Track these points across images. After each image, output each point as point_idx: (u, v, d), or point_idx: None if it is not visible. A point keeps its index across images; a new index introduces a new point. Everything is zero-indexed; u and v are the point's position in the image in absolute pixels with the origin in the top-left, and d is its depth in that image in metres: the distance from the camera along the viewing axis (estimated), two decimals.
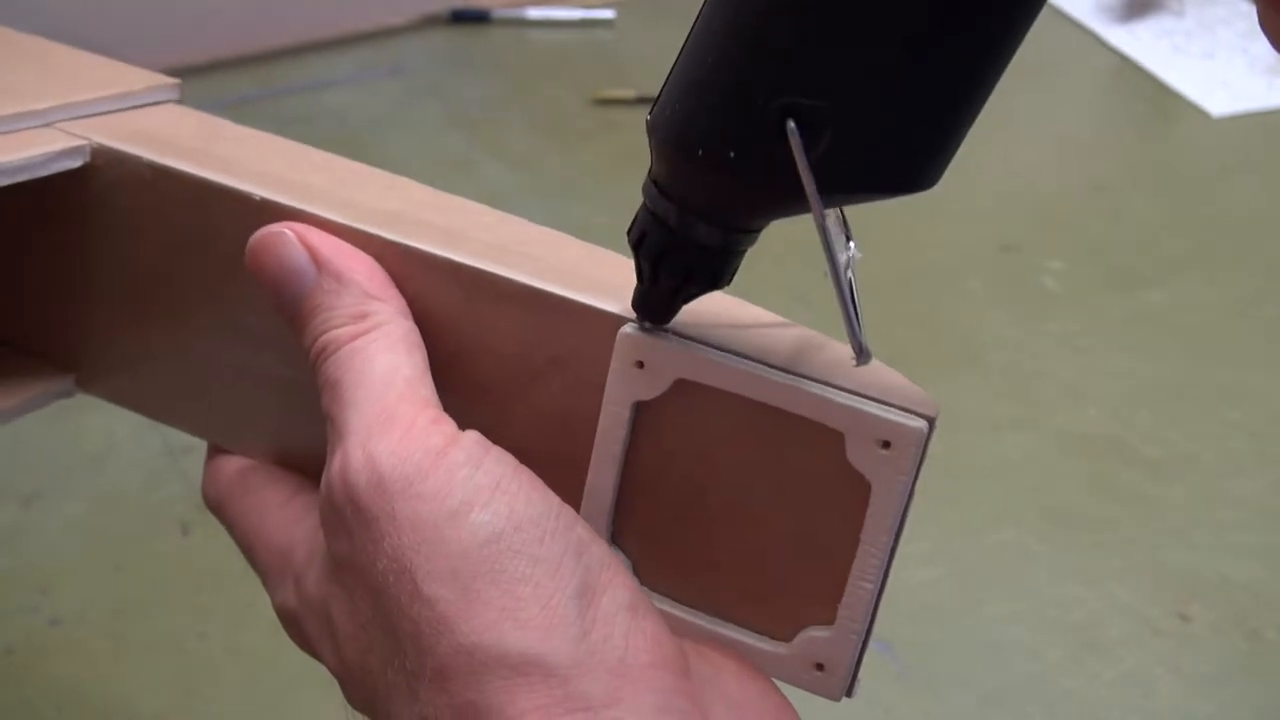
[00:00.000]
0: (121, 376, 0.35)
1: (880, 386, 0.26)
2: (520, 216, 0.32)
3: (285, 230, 0.29)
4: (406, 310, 0.29)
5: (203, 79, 1.11)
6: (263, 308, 0.30)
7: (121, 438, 0.67)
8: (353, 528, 0.26)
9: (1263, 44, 1.32)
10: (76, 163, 0.32)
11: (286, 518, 0.31)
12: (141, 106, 0.36)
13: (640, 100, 1.13)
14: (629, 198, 0.99)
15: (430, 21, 1.26)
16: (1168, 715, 0.58)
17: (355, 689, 0.27)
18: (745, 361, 0.27)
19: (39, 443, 0.67)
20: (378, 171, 0.33)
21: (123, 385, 0.35)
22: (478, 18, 1.27)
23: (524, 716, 0.23)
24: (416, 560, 0.25)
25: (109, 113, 0.35)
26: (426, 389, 0.28)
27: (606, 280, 0.29)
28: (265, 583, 0.31)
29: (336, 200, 0.30)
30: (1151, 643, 0.62)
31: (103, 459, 0.66)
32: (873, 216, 1.08)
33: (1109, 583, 0.65)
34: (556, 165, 1.02)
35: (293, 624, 0.29)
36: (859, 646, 0.28)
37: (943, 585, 0.64)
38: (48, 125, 0.33)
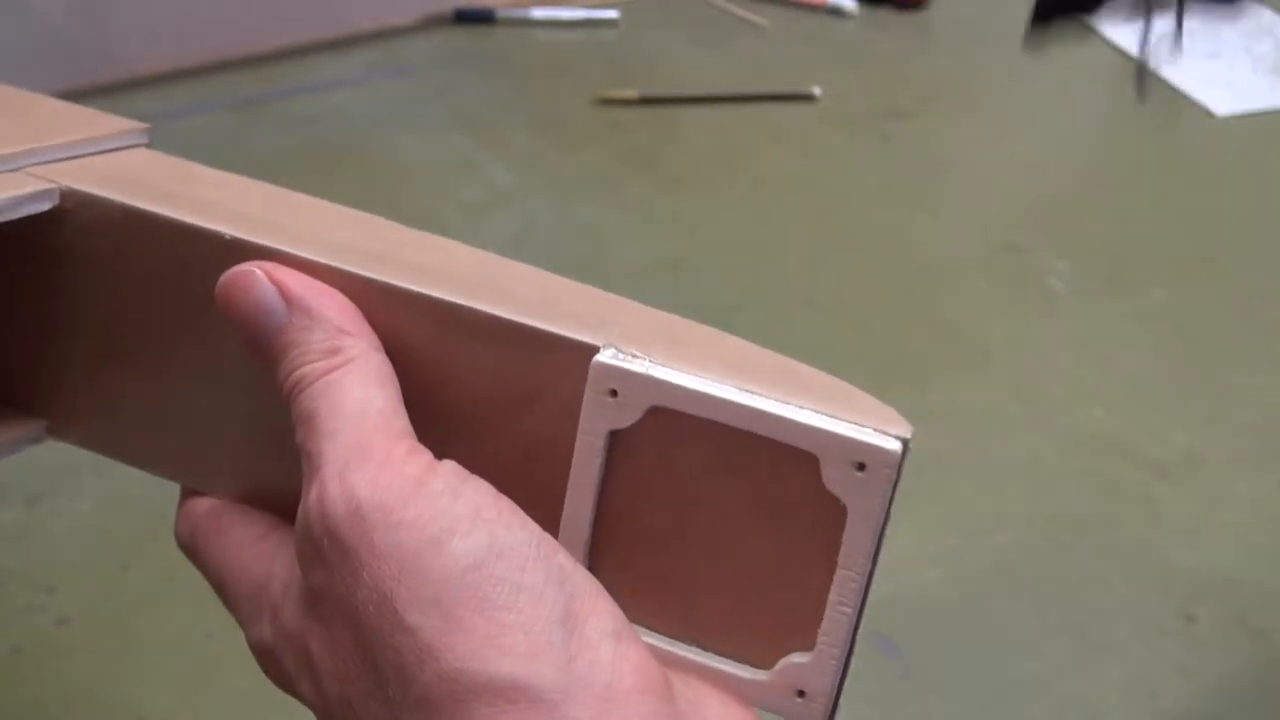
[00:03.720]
0: (94, 422, 0.35)
1: (854, 409, 0.26)
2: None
3: (254, 269, 0.29)
4: (379, 345, 0.29)
5: (208, 80, 1.11)
6: (234, 348, 0.30)
7: None
8: (330, 559, 0.26)
9: (1266, 44, 1.32)
10: (45, 206, 0.32)
11: (260, 553, 0.31)
12: (111, 151, 0.36)
13: (644, 100, 1.13)
14: (632, 197, 0.99)
15: (434, 22, 1.26)
16: (1173, 716, 0.58)
17: None
18: (717, 386, 0.27)
19: (44, 443, 0.67)
20: (355, 212, 0.33)
21: (95, 430, 0.35)
22: (482, 18, 1.27)
23: None
24: (397, 589, 0.25)
25: (79, 157, 0.35)
26: (401, 420, 0.28)
27: (581, 312, 0.29)
28: (239, 619, 0.31)
29: (309, 238, 0.30)
30: (1157, 643, 0.62)
31: (108, 460, 0.66)
32: (878, 216, 1.09)
33: (1114, 583, 0.65)
34: (560, 165, 1.02)
35: (269, 660, 0.29)
36: (839, 672, 0.27)
37: (948, 585, 0.63)
38: (16, 170, 0.33)
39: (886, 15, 1.38)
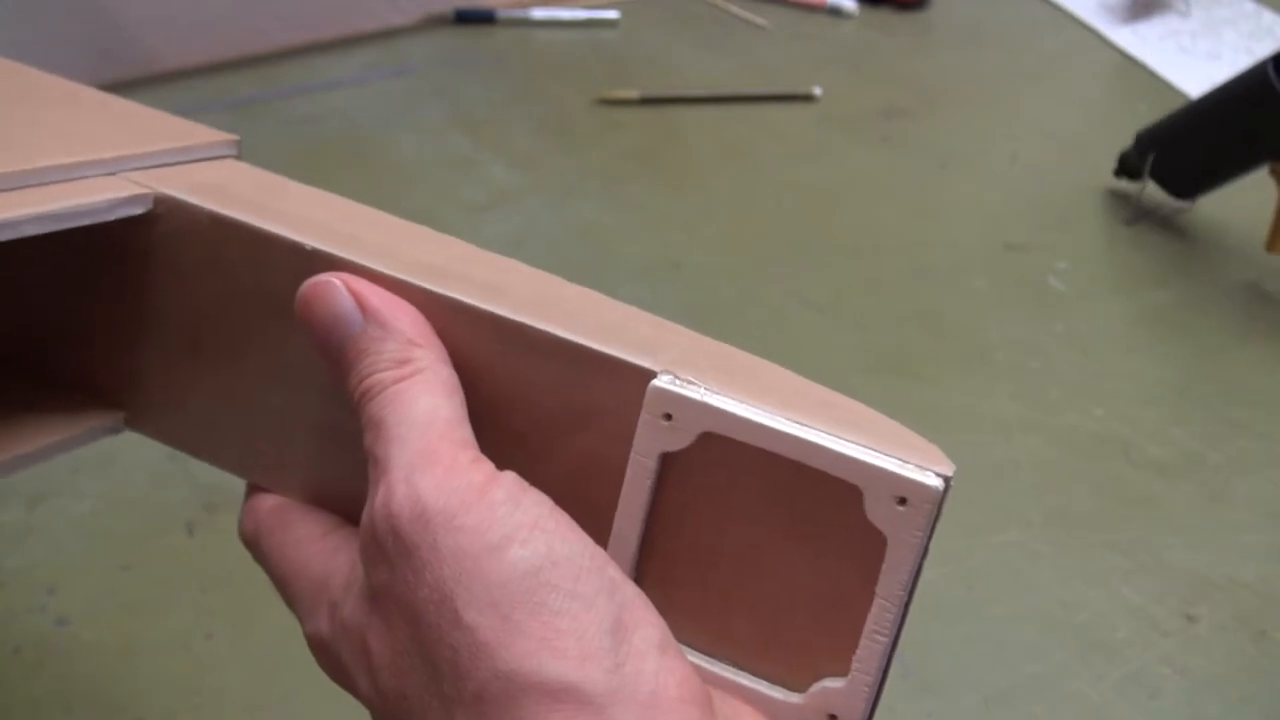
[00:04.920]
0: (169, 416, 0.36)
1: (899, 444, 0.27)
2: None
3: (334, 279, 0.30)
4: (447, 358, 0.30)
5: (208, 80, 1.11)
6: (306, 352, 0.31)
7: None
8: (394, 558, 0.27)
9: (1268, 45, 1.32)
10: (139, 210, 0.34)
11: (324, 549, 0.32)
12: (202, 160, 0.37)
13: (644, 101, 1.13)
14: (633, 197, 1.00)
15: (435, 22, 1.26)
16: (1173, 716, 0.58)
17: (388, 718, 0.28)
18: (769, 416, 0.28)
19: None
20: (425, 229, 0.35)
21: (170, 425, 0.37)
22: (482, 18, 1.27)
23: None
24: (458, 590, 0.26)
25: (172, 164, 0.36)
26: (465, 430, 0.29)
27: (639, 336, 0.30)
28: (298, 612, 0.32)
29: (384, 252, 0.32)
30: (1158, 643, 0.62)
31: (109, 460, 0.66)
32: (878, 216, 1.09)
33: (1115, 583, 0.65)
34: (561, 165, 1.02)
35: (325, 652, 0.30)
36: (872, 699, 0.28)
37: (948, 585, 0.63)
38: (113, 174, 0.35)
39: (886, 15, 1.39)
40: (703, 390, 0.28)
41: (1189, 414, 0.78)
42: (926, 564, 0.28)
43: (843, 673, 0.28)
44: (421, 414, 0.28)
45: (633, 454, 0.29)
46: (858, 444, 0.27)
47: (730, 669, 0.29)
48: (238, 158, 0.39)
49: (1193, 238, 0.99)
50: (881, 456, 0.27)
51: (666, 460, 0.28)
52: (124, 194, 0.33)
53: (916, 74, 1.25)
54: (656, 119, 1.11)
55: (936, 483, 0.26)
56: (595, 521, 0.29)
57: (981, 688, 0.59)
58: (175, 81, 1.11)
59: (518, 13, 1.28)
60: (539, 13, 1.28)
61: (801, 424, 0.27)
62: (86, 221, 0.32)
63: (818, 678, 0.28)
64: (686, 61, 1.22)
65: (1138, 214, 1.00)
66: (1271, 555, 0.67)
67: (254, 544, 0.34)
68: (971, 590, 0.64)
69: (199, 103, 1.07)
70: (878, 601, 0.27)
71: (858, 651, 0.28)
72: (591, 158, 1.04)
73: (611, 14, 1.29)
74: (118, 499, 0.65)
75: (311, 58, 1.17)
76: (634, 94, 1.13)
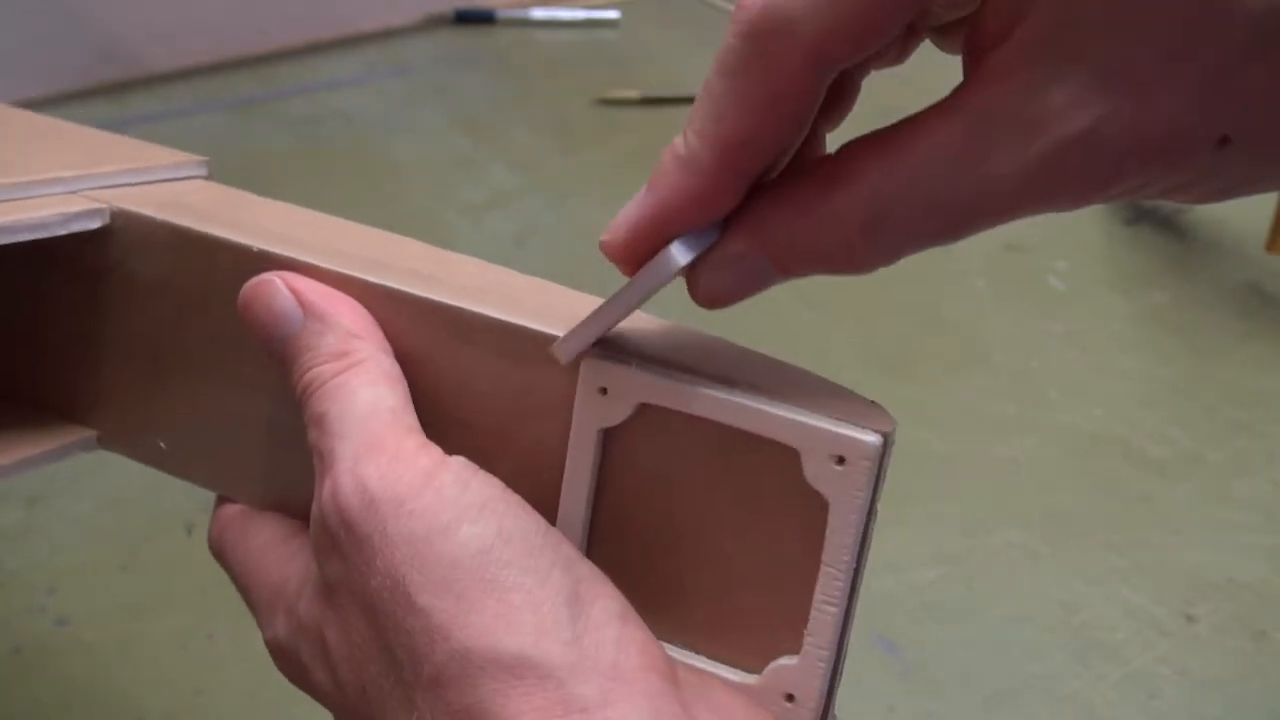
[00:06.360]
0: (137, 433, 0.36)
1: (837, 403, 0.26)
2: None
3: (273, 278, 0.30)
4: (388, 348, 0.30)
5: (208, 80, 1.11)
6: (259, 358, 0.31)
7: None
8: (346, 549, 0.27)
9: None
10: (95, 224, 0.33)
11: (281, 556, 0.32)
12: (169, 180, 0.37)
13: (645, 101, 1.13)
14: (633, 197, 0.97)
15: (435, 22, 1.27)
16: (1173, 716, 0.58)
17: (350, 713, 0.28)
18: (702, 382, 0.27)
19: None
20: (389, 234, 0.35)
21: (138, 442, 0.36)
22: (482, 18, 1.27)
23: (520, 718, 0.24)
24: (409, 574, 0.25)
25: (135, 184, 0.36)
26: (410, 418, 0.29)
27: (578, 316, 0.29)
28: (259, 619, 0.32)
29: (327, 250, 0.32)
30: (1157, 643, 0.62)
31: (107, 459, 0.66)
32: None
33: (1114, 583, 0.65)
34: (561, 165, 1.02)
35: (284, 658, 0.30)
36: (828, 674, 0.27)
37: (947, 585, 0.63)
38: (73, 193, 0.34)
39: None
40: (635, 360, 0.27)
41: (1189, 414, 0.78)
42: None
43: (797, 650, 0.27)
44: (364, 405, 0.28)
45: (572, 430, 0.28)
46: (792, 405, 0.26)
47: (686, 653, 0.29)
48: (208, 178, 0.38)
49: (1193, 238, 0.99)
50: (815, 416, 0.26)
51: (607, 437, 0.28)
52: (78, 208, 0.33)
53: (916, 74, 1.24)
54: (656, 119, 1.11)
55: (874, 439, 0.25)
56: (550, 510, 0.28)
57: (981, 688, 0.59)
58: (175, 81, 1.11)
59: (518, 13, 1.28)
60: (539, 13, 1.28)
61: (734, 388, 0.27)
62: (41, 235, 0.32)
63: (774, 656, 0.27)
64: (686, 61, 1.22)
65: (1137, 214, 1.00)
66: (1271, 555, 0.67)
67: (218, 553, 0.34)
68: (971, 590, 0.64)
69: (199, 103, 1.07)
70: (824, 569, 0.26)
71: (809, 625, 0.27)
72: (591, 158, 1.04)
73: (611, 14, 1.29)
74: (117, 499, 0.65)
75: (311, 58, 1.18)
76: (634, 94, 1.13)
